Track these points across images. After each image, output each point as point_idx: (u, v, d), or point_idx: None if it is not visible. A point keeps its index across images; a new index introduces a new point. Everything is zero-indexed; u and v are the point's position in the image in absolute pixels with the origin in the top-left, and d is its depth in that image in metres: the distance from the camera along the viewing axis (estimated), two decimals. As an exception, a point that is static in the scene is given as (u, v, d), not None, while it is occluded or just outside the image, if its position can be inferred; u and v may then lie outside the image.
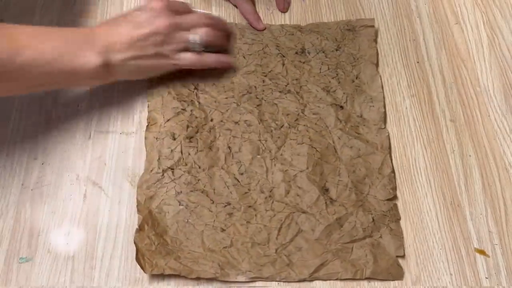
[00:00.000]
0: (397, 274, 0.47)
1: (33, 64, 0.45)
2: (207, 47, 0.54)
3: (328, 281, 0.47)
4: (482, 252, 0.49)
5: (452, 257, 0.48)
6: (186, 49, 0.53)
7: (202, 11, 0.58)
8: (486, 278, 0.48)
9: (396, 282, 0.47)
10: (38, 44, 0.45)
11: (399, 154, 0.54)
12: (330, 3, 0.64)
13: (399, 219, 0.50)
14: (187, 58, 0.53)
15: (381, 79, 0.57)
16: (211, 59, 0.55)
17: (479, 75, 0.59)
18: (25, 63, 0.44)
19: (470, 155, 0.54)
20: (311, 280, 0.47)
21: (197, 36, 0.52)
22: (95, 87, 0.56)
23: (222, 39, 0.56)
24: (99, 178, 0.51)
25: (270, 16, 0.63)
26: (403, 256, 0.48)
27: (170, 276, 0.46)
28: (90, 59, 0.47)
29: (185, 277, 0.46)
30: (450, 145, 0.54)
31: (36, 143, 0.53)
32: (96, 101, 0.55)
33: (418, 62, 0.60)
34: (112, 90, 0.56)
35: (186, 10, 0.55)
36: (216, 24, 0.55)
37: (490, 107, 0.57)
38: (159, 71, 0.53)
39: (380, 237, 0.48)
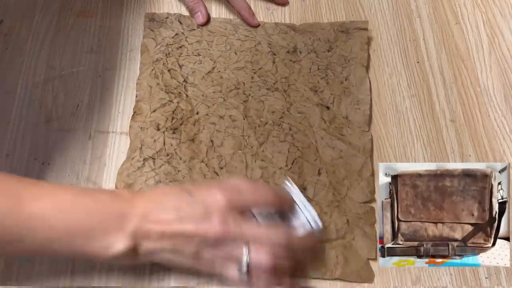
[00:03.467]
0: (367, 277, 0.47)
1: (38, 239, 0.38)
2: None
3: (328, 281, 0.47)
4: (482, 252, 0.49)
5: (452, 257, 0.48)
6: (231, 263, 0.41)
7: (292, 189, 0.45)
8: (486, 278, 0.48)
9: (396, 282, 0.47)
10: (51, 217, 0.38)
11: (399, 154, 0.54)
12: (330, 3, 0.64)
13: (374, 222, 0.49)
14: (231, 278, 0.41)
15: (370, 83, 0.57)
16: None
17: (479, 75, 0.59)
18: (26, 236, 0.37)
19: (470, 155, 0.54)
20: None
21: (252, 260, 0.39)
22: (94, 84, 0.56)
23: (288, 267, 0.41)
24: (99, 178, 0.51)
25: (270, 16, 0.63)
26: (375, 259, 0.48)
27: (170, 275, 0.46)
28: (115, 243, 0.39)
29: (186, 277, 0.46)
30: (450, 145, 0.54)
31: (36, 143, 0.52)
32: (96, 101, 0.55)
33: (418, 62, 0.60)
34: (112, 89, 0.56)
35: (266, 207, 0.42)
36: (288, 243, 0.41)
37: (490, 107, 0.57)
38: (194, 270, 0.43)
39: (353, 239, 0.48)
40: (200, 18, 0.60)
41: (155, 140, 0.52)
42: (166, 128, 0.53)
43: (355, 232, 0.49)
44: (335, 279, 0.47)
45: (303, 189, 0.50)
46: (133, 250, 0.39)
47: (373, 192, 0.51)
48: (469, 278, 0.47)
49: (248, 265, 0.39)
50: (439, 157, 0.54)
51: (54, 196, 0.39)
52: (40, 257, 0.47)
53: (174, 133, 0.53)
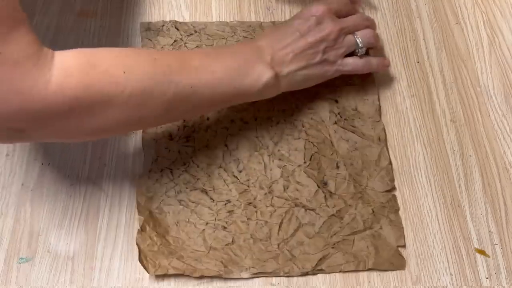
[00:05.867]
0: (399, 264, 0.47)
1: (206, 86, 0.44)
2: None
3: (328, 280, 0.47)
4: (482, 252, 0.49)
5: (452, 257, 0.48)
6: (349, 54, 0.52)
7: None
8: (486, 278, 0.48)
9: (396, 282, 0.47)
10: (210, 65, 0.45)
11: (399, 154, 0.54)
12: (330, 3, 0.64)
13: (398, 209, 0.50)
14: (353, 63, 0.52)
15: (373, 74, 0.57)
16: (376, 62, 0.54)
17: (479, 75, 0.59)
18: (198, 85, 0.43)
19: (470, 155, 0.54)
20: (314, 274, 0.47)
21: (363, 39, 0.52)
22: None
23: (378, 39, 0.55)
24: (99, 178, 0.51)
25: (270, 16, 0.63)
26: (404, 246, 0.48)
27: (170, 276, 0.46)
28: (262, 73, 0.47)
29: (186, 277, 0.46)
30: (450, 145, 0.54)
31: (36, 143, 0.52)
32: (96, 101, 0.55)
33: (418, 62, 0.60)
34: (112, 90, 0.56)
35: (347, 9, 0.54)
36: (372, 24, 0.55)
37: (490, 107, 0.57)
38: (322, 79, 0.52)
39: (381, 228, 0.49)
40: None
41: (169, 150, 0.52)
42: (179, 137, 0.53)
43: (382, 221, 0.49)
44: (369, 269, 0.47)
45: (323, 184, 0.51)
46: (276, 78, 0.48)
47: (392, 180, 0.51)
48: (469, 278, 0.47)
49: (362, 44, 0.52)
50: (439, 157, 0.54)
51: (203, 52, 0.49)
52: (40, 257, 0.47)
53: (187, 141, 0.52)
